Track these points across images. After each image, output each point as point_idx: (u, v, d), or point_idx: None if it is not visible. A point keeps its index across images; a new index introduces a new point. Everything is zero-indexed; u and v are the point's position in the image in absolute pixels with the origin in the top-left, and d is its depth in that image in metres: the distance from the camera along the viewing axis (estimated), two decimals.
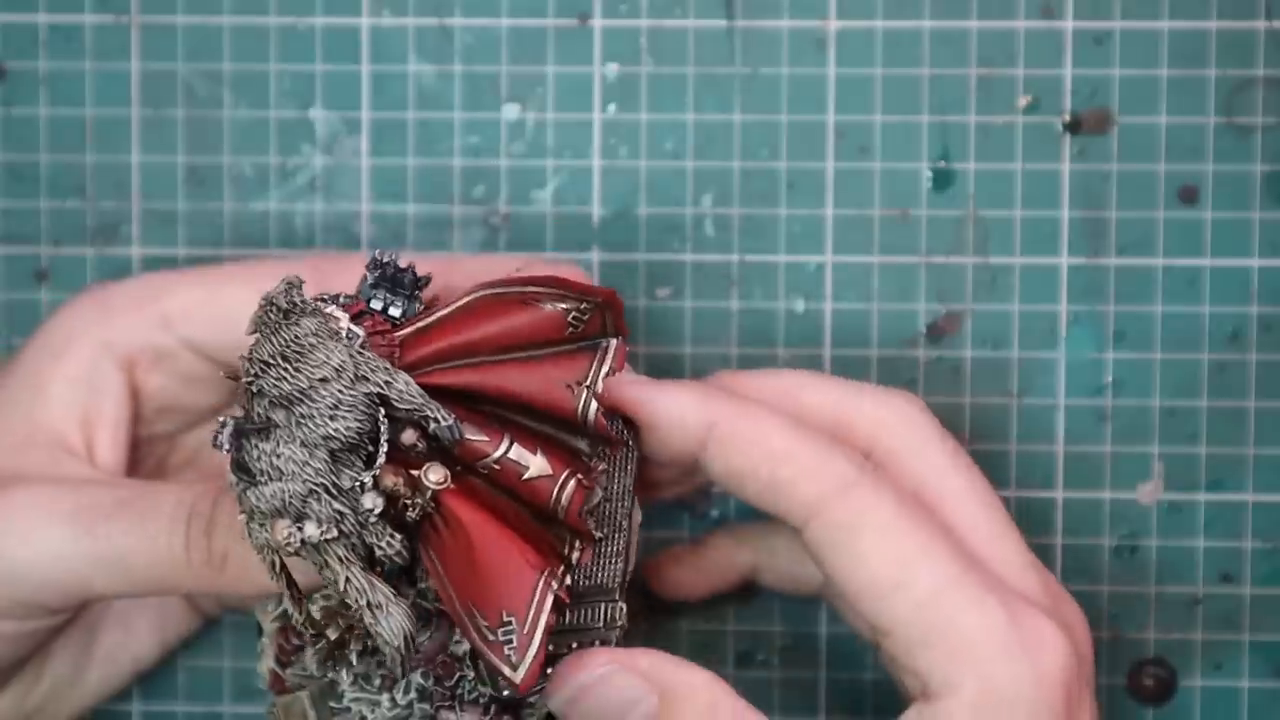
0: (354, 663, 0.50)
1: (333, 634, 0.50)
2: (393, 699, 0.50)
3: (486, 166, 0.59)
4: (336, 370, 0.46)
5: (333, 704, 0.51)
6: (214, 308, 0.54)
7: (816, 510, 0.50)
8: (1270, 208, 0.58)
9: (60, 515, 0.51)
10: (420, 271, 0.49)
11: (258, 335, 0.47)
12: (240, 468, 0.47)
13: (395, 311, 0.49)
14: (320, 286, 0.51)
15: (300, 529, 0.46)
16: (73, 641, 0.56)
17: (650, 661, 0.49)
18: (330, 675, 0.51)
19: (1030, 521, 0.58)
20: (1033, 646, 0.49)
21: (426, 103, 0.59)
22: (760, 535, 0.57)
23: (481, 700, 0.50)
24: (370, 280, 0.49)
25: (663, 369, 0.59)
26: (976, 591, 0.49)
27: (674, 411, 0.50)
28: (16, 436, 0.53)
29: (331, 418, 0.46)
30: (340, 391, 0.46)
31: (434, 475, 0.47)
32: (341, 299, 0.49)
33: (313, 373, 0.46)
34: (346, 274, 0.52)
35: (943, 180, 0.59)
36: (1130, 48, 0.58)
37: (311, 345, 0.47)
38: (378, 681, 0.50)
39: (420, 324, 0.48)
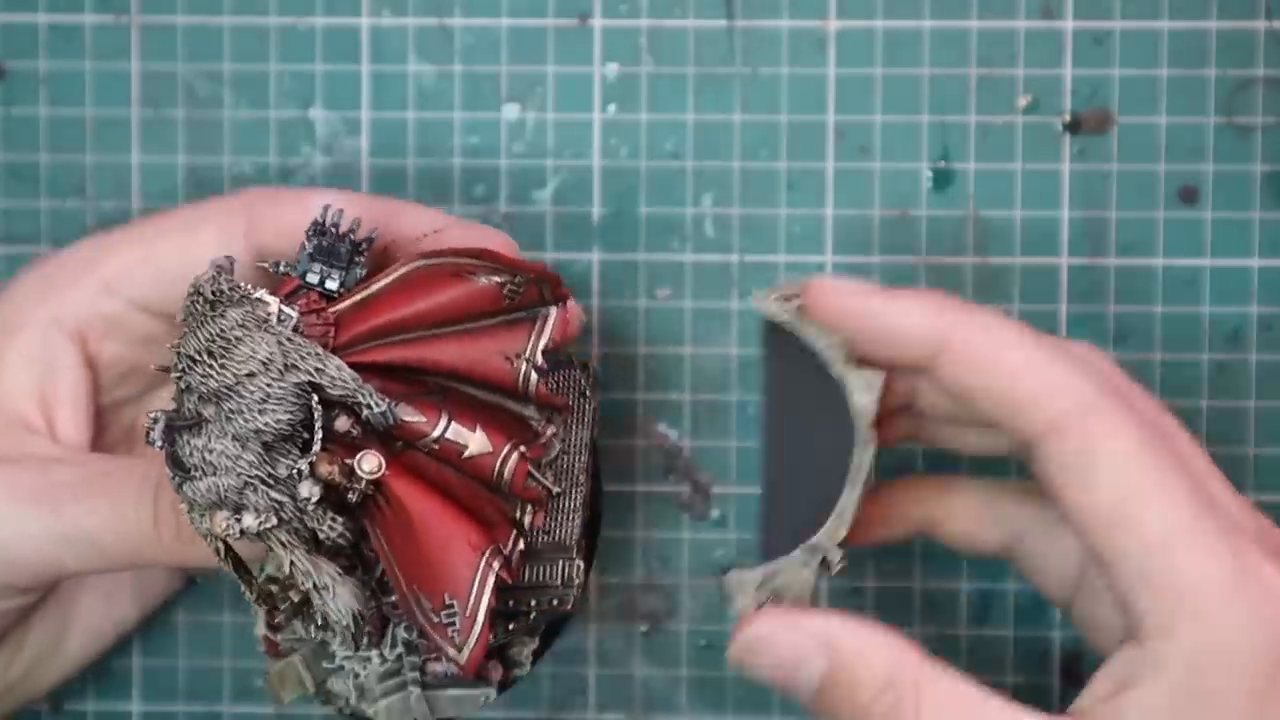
0: (320, 622, 0.50)
1: (295, 596, 0.49)
2: (382, 655, 0.51)
3: (486, 166, 0.59)
4: (264, 363, 0.46)
5: (326, 664, 0.51)
6: (152, 265, 0.53)
7: (1053, 428, 0.48)
8: (1270, 208, 0.58)
9: (25, 496, 0.51)
10: (362, 231, 0.49)
11: (185, 327, 0.47)
12: (175, 462, 0.47)
13: (332, 285, 0.48)
14: (258, 229, 0.51)
15: (239, 520, 0.46)
16: (52, 610, 0.56)
17: (820, 624, 0.48)
18: (322, 636, 0.51)
19: None
20: (1263, 601, 0.47)
21: (426, 103, 0.59)
22: (939, 495, 0.55)
23: None
24: (308, 250, 0.48)
25: (663, 369, 0.59)
26: (1209, 538, 0.47)
27: (904, 325, 0.49)
28: None
29: (261, 411, 0.46)
30: (268, 385, 0.46)
31: (367, 465, 0.47)
32: (282, 266, 0.49)
33: (239, 368, 0.46)
34: (283, 212, 0.52)
35: (943, 180, 0.59)
36: (1130, 48, 0.58)
37: (238, 338, 0.46)
38: (365, 640, 0.50)
39: (356, 298, 0.48)
